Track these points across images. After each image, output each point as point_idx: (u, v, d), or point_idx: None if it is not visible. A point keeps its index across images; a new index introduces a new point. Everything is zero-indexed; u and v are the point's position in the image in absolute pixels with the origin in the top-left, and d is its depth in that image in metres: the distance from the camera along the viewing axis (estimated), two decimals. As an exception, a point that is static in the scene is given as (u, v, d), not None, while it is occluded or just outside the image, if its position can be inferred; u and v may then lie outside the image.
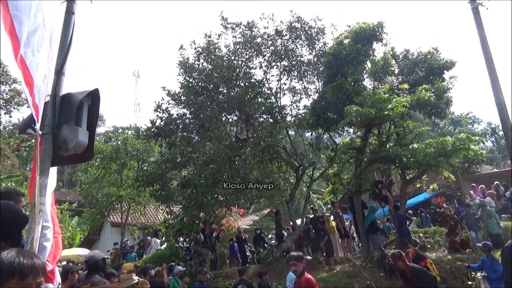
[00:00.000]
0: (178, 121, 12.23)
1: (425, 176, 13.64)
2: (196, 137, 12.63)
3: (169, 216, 13.46)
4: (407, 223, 12.18)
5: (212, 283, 9.96)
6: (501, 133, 42.11)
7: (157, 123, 12.05)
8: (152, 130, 12.08)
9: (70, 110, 2.63)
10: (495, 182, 15.42)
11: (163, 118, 12.20)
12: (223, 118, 12.89)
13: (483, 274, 8.14)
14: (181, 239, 14.25)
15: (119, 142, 19.30)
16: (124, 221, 19.06)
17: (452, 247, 11.27)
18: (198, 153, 12.52)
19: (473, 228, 11.73)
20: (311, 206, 26.31)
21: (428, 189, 14.94)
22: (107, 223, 22.58)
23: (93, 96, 2.75)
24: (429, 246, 11.63)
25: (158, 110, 12.18)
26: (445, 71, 13.06)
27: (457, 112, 45.27)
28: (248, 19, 13.45)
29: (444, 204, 14.90)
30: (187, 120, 12.32)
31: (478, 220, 11.80)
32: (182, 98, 12.15)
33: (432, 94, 11.84)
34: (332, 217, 13.79)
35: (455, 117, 42.91)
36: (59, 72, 2.73)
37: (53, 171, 2.74)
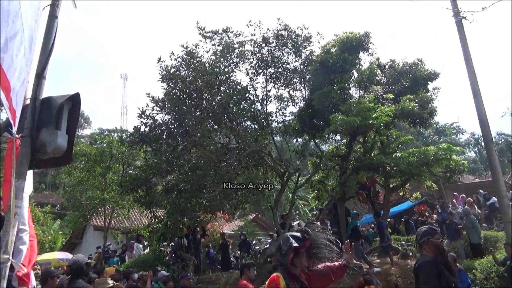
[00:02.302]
0: (162, 128, 12.16)
1: (408, 184, 13.84)
2: (180, 144, 12.58)
3: (153, 220, 13.37)
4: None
5: (194, 289, 9.91)
6: (483, 143, 42.93)
7: (142, 129, 11.94)
8: (136, 136, 11.96)
9: (49, 114, 2.63)
10: (478, 191, 15.76)
11: (148, 124, 12.11)
12: (208, 124, 12.89)
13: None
14: (165, 243, 14.17)
15: (104, 145, 19.10)
16: (107, 225, 18.84)
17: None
18: (183, 160, 12.47)
19: (453, 237, 11.91)
20: (296, 212, 26.44)
21: (411, 198, 15.15)
22: (90, 226, 22.28)
23: (74, 101, 2.76)
24: (410, 254, 11.77)
25: (143, 116, 12.07)
26: (429, 82, 13.32)
27: (442, 122, 46.12)
28: (226, 25, 13.34)
29: (426, 212, 15.13)
30: (171, 126, 12.25)
31: (462, 228, 12.01)
32: (166, 104, 12.09)
33: (416, 104, 12.07)
34: (318, 223, 13.88)
35: (440, 127, 43.67)
36: (39, 75, 2.74)
37: (29, 174, 2.74)
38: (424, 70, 13.28)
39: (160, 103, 11.86)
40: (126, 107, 65.62)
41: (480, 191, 15.77)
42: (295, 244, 3.07)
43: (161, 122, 12.07)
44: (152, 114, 12.06)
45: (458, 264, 8.45)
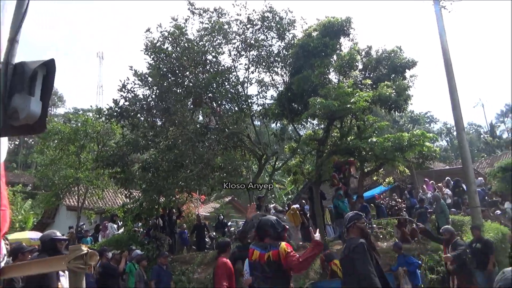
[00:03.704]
0: (142, 103, 12.01)
1: (381, 169, 14.19)
2: (160, 121, 12.46)
3: (128, 200, 13.25)
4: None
5: (169, 268, 9.94)
6: (455, 133, 44.33)
7: (121, 103, 11.77)
8: (115, 109, 11.78)
9: (23, 79, 2.54)
10: (446, 178, 16.35)
11: (128, 98, 11.94)
12: (189, 103, 12.78)
13: (404, 268, 8.85)
14: (140, 224, 14.11)
15: (79, 124, 18.58)
16: (80, 205, 18.52)
17: (402, 237, 11.84)
18: (161, 137, 12.36)
19: (422, 221, 12.38)
20: (272, 195, 26.74)
21: (384, 182, 15.56)
22: (63, 206, 21.84)
23: (48, 66, 2.67)
24: (381, 236, 12.15)
25: (123, 90, 11.89)
26: (406, 70, 13.54)
27: (417, 110, 47.13)
28: (219, 4, 13.26)
29: (397, 198, 15.63)
30: (152, 102, 12.12)
31: (431, 213, 12.48)
32: (148, 79, 11.93)
33: (393, 91, 12.29)
34: (297, 206, 14.20)
35: (414, 115, 44.66)
36: (12, 40, 2.63)
37: (3, 141, 2.65)
38: (403, 57, 13.48)
39: (142, 77, 11.69)
40: (102, 86, 63.73)
41: (448, 178, 16.38)
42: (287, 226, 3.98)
43: (142, 97, 11.91)
44: (133, 88, 11.89)
45: (402, 251, 9.31)
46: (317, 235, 3.97)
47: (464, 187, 13.59)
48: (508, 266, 3.68)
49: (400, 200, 15.94)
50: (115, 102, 11.85)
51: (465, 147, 11.40)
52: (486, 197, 15.55)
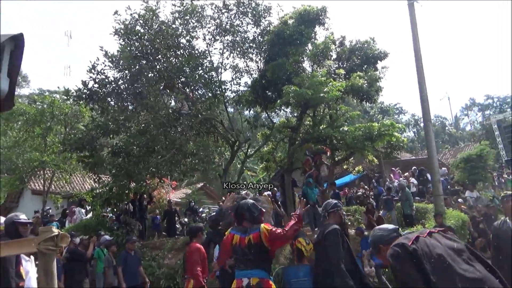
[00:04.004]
0: (113, 85, 11.66)
1: (352, 158, 14.53)
2: (131, 105, 12.16)
3: (97, 185, 12.95)
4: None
5: (137, 253, 9.84)
6: (422, 124, 45.77)
7: (90, 85, 11.37)
8: (84, 91, 11.38)
9: (-12, 54, 2.42)
10: (413, 167, 16.95)
11: (97, 80, 11.55)
12: (161, 87, 12.53)
13: (367, 251, 9.23)
14: (109, 209, 13.86)
15: (45, 106, 17.83)
16: (46, 189, 17.93)
17: (369, 224, 12.25)
18: (132, 122, 12.09)
19: (388, 208, 12.84)
20: (244, 182, 26.86)
21: (354, 171, 15.96)
22: (28, 190, 21.08)
23: (16, 41, 2.54)
24: (349, 223, 12.51)
25: (92, 71, 11.47)
26: (378, 61, 13.83)
27: (387, 102, 48.23)
28: None
29: (365, 186, 16.07)
30: (123, 85, 11.78)
31: (397, 201, 12.96)
32: (120, 61, 11.57)
33: (365, 81, 12.53)
34: (268, 193, 14.30)
35: (384, 106, 45.71)
36: (-23, 12, 2.51)
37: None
38: (375, 49, 13.74)
39: (113, 59, 11.31)
40: (70, 67, 61.29)
41: (414, 167, 16.99)
42: (264, 209, 4.17)
43: (112, 79, 11.55)
44: (104, 70, 11.50)
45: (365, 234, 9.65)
46: (299, 209, 4.11)
47: (429, 176, 14.17)
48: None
49: (368, 188, 16.42)
50: (84, 83, 11.43)
51: (431, 138, 11.81)
52: (448, 186, 16.27)
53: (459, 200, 14.72)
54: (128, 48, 11.59)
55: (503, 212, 12.45)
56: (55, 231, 2.06)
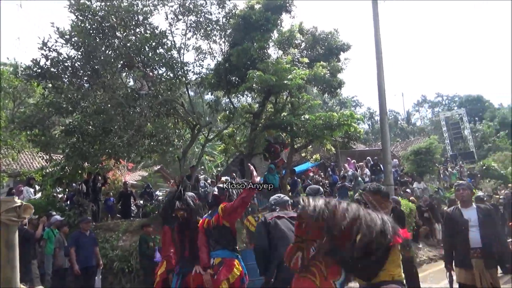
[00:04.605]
0: (67, 63, 10.99)
1: (310, 146, 14.85)
2: (86, 83, 11.57)
3: (47, 163, 12.31)
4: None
5: (92, 234, 9.55)
6: (377, 118, 47.57)
7: (42, 63, 10.64)
8: (35, 70, 10.65)
9: None
10: (367, 158, 17.65)
11: (50, 58, 10.83)
12: (119, 66, 12.00)
13: None
14: (60, 189, 13.28)
15: (-9, 77, 16.58)
16: (-10, 167, 16.83)
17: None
18: (87, 101, 11.52)
19: (342, 197, 13.35)
20: (202, 167, 26.69)
21: (312, 159, 16.34)
22: (-32, 167, 19.68)
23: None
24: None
25: (44, 48, 10.71)
26: (341, 52, 14.11)
27: (345, 94, 49.57)
28: None
29: (322, 174, 16.56)
30: (77, 63, 11.14)
31: (350, 189, 13.49)
32: (73, 38, 10.89)
33: (328, 72, 12.77)
34: (226, 177, 14.31)
35: (343, 98, 46.95)
36: None
37: None
38: (339, 40, 13.98)
39: (66, 36, 10.63)
40: (19, 38, 57.03)
41: (369, 157, 17.73)
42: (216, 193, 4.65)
43: (66, 57, 10.87)
44: (56, 47, 10.79)
45: None
46: (254, 175, 4.29)
47: (381, 167, 14.83)
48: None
49: (323, 176, 16.92)
50: (35, 62, 10.66)
51: (386, 131, 12.33)
52: (398, 178, 17.14)
53: (407, 190, 15.58)
54: (81, 24, 10.92)
55: (446, 203, 13.33)
56: (18, 201, 1.94)
